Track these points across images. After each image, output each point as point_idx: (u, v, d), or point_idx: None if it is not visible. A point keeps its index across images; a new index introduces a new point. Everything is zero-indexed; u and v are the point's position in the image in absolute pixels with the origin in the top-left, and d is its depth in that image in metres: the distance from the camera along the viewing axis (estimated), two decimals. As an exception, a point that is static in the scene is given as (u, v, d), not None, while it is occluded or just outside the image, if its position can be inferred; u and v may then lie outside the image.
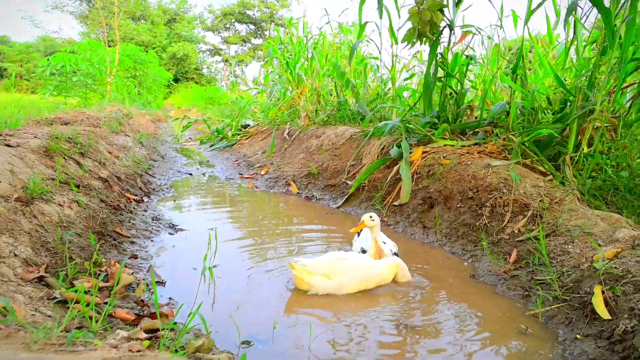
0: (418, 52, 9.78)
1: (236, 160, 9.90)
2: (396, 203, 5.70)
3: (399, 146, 6.40)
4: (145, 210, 5.14)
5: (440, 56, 6.46)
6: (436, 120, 6.72)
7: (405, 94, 8.94)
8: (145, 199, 5.62)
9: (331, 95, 10.90)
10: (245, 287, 3.43)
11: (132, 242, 4.04)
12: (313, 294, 3.35)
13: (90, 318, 2.17)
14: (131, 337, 1.93)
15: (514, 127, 5.77)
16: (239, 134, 12.17)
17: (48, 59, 19.39)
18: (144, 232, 4.40)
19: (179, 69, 53.26)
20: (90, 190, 4.52)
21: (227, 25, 57.52)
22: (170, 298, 3.11)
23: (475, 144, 5.98)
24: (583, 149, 5.05)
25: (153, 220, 4.82)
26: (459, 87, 6.79)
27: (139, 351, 1.70)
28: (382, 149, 6.75)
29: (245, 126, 12.89)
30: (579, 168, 5.16)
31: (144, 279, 3.31)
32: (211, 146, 12.19)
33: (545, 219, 4.36)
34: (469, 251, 4.48)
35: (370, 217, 3.95)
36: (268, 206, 6.26)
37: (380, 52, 8.65)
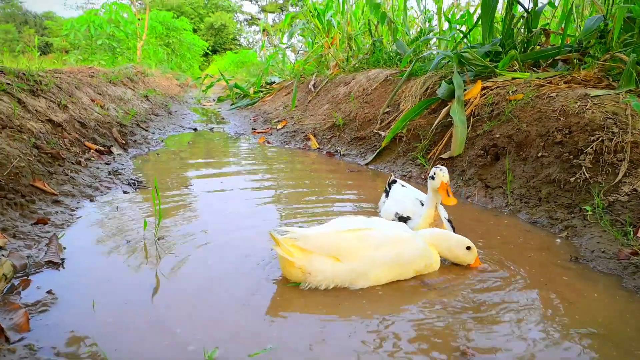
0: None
1: (254, 117, 8.56)
2: (445, 156, 4.16)
3: (449, 83, 4.80)
4: (108, 163, 3.89)
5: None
6: (500, 49, 5.03)
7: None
8: (117, 150, 4.38)
9: (365, 40, 9.26)
10: (203, 275, 2.08)
11: (56, 202, 2.78)
12: (310, 287, 1.96)
13: None
14: None
15: (617, 45, 4.04)
16: (262, 92, 10.79)
17: (72, 22, 18.65)
18: (86, 189, 3.14)
19: (217, 39, 52.49)
20: (19, 132, 3.30)
21: (264, -8, 55.81)
22: (49, 291, 1.80)
23: (558, 75, 4.28)
24: None
25: (109, 174, 3.56)
26: (530, 6, 5.04)
27: None
28: (426, 89, 5.15)
29: (271, 83, 11.49)
30: None
31: (29, 257, 2.03)
32: (232, 105, 10.90)
33: (691, 170, 2.73)
34: (561, 220, 2.92)
35: (440, 169, 2.45)
36: (275, 163, 4.87)
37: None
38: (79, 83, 6.03)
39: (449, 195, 2.38)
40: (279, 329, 1.66)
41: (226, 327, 1.65)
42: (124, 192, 3.27)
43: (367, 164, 4.81)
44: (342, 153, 5.26)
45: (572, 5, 4.96)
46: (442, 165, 4.16)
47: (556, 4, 5.79)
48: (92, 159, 3.80)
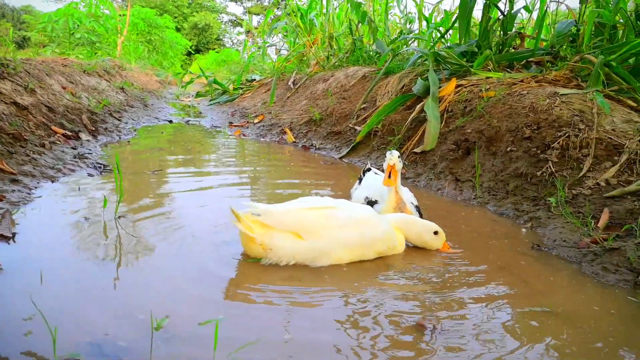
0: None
1: (232, 112, 8.49)
2: (418, 150, 4.19)
3: (424, 80, 4.84)
4: (74, 148, 3.79)
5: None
6: (475, 50, 5.10)
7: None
8: (85, 136, 4.27)
9: (347, 40, 9.30)
10: (160, 252, 2.03)
11: (14, 181, 2.68)
12: (271, 263, 1.93)
13: None
14: None
15: (587, 48, 4.14)
16: (241, 88, 10.72)
17: (49, 15, 18.21)
18: (48, 171, 3.04)
19: (201, 39, 51.93)
20: (-21, 110, 3.18)
21: (250, -6, 55.49)
22: (-6, 262, 1.72)
23: (530, 76, 4.36)
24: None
25: (74, 158, 3.46)
26: (506, 8, 5.13)
27: None
28: (402, 86, 5.19)
29: (252, 80, 11.43)
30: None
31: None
32: (211, 100, 10.79)
33: (651, 165, 2.80)
34: (526, 212, 2.96)
35: (399, 156, 2.49)
36: (249, 153, 4.83)
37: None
38: (50, 70, 5.88)
39: (389, 177, 2.42)
40: (234, 302, 1.62)
41: (180, 300, 1.61)
42: (89, 174, 3.18)
43: (341, 158, 4.81)
44: (317, 147, 5.25)
45: (545, 10, 5.07)
46: (414, 159, 4.19)
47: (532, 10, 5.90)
48: (58, 142, 3.70)
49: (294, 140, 5.63)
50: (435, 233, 2.24)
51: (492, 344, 1.47)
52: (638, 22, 4.20)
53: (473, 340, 1.48)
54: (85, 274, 1.73)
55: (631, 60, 3.94)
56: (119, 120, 5.93)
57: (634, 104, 3.56)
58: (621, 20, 4.15)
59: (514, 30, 5.15)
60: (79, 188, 2.82)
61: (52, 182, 2.92)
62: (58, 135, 3.87)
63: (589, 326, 1.62)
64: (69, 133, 4.06)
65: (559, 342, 1.51)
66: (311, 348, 1.37)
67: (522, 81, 4.07)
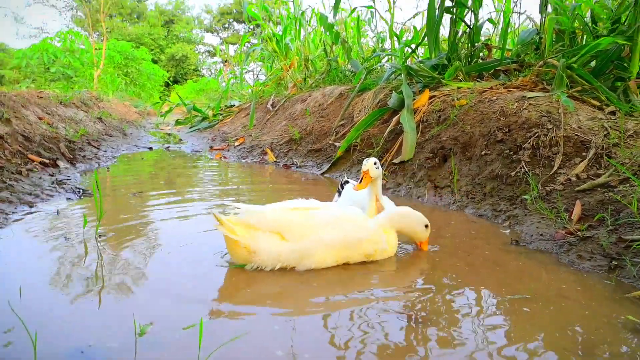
0: None
1: (212, 137, 8.52)
2: (396, 161, 4.26)
3: (399, 93, 4.96)
4: (52, 175, 3.75)
5: (447, -23, 5.05)
6: (446, 62, 5.27)
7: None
8: (63, 164, 4.23)
9: (322, 62, 9.49)
10: (143, 265, 2.01)
11: (-9, 207, 2.64)
12: (256, 268, 1.93)
13: None
14: None
15: (549, 53, 4.32)
16: (221, 114, 10.77)
17: (24, 51, 18.16)
18: (25, 196, 3.01)
19: (178, 70, 52.15)
20: (-47, 141, 3.15)
21: (225, 25, 56.21)
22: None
23: (499, 84, 4.52)
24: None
25: (52, 184, 3.43)
26: (472, 21, 5.33)
27: None
28: (378, 102, 5.31)
29: (231, 106, 11.51)
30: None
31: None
32: (191, 127, 10.80)
33: (618, 159, 2.91)
34: (503, 212, 3.03)
35: (375, 163, 2.50)
36: (230, 175, 4.84)
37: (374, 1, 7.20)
38: (26, 102, 5.85)
39: (360, 182, 2.46)
40: (218, 306, 1.62)
41: (163, 309, 1.60)
42: (68, 199, 3.15)
43: (323, 174, 4.86)
44: (298, 165, 5.30)
45: (509, 21, 5.29)
46: (394, 169, 4.26)
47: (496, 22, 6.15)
48: (35, 170, 3.66)
49: (275, 160, 5.68)
50: (426, 226, 2.29)
51: (475, 331, 1.49)
52: (594, 26, 4.42)
53: (460, 327, 1.51)
54: (66, 289, 1.71)
55: (592, 63, 4.13)
56: (98, 148, 5.90)
57: (597, 103, 3.72)
58: (580, 27, 4.36)
59: (481, 42, 5.35)
60: (57, 211, 2.79)
61: (30, 207, 2.88)
62: (35, 163, 3.83)
63: (564, 307, 1.67)
64: (47, 161, 4.02)
65: (538, 324, 1.55)
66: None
67: (491, 89, 4.21)
